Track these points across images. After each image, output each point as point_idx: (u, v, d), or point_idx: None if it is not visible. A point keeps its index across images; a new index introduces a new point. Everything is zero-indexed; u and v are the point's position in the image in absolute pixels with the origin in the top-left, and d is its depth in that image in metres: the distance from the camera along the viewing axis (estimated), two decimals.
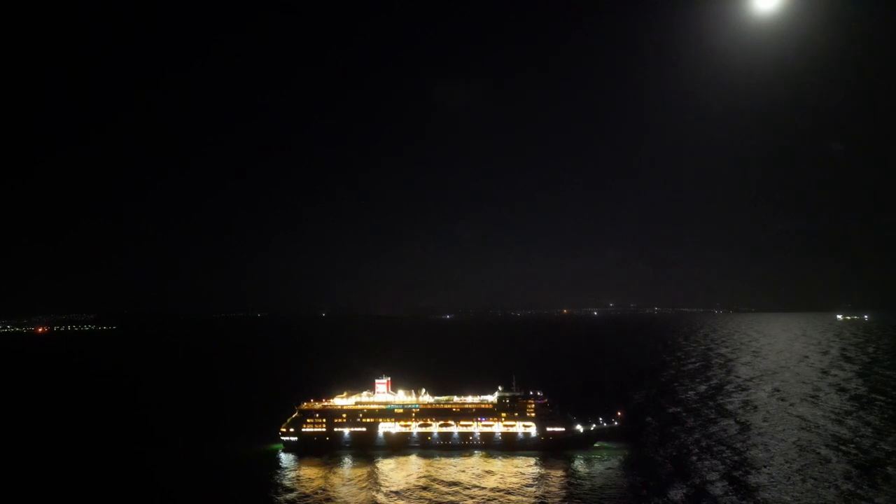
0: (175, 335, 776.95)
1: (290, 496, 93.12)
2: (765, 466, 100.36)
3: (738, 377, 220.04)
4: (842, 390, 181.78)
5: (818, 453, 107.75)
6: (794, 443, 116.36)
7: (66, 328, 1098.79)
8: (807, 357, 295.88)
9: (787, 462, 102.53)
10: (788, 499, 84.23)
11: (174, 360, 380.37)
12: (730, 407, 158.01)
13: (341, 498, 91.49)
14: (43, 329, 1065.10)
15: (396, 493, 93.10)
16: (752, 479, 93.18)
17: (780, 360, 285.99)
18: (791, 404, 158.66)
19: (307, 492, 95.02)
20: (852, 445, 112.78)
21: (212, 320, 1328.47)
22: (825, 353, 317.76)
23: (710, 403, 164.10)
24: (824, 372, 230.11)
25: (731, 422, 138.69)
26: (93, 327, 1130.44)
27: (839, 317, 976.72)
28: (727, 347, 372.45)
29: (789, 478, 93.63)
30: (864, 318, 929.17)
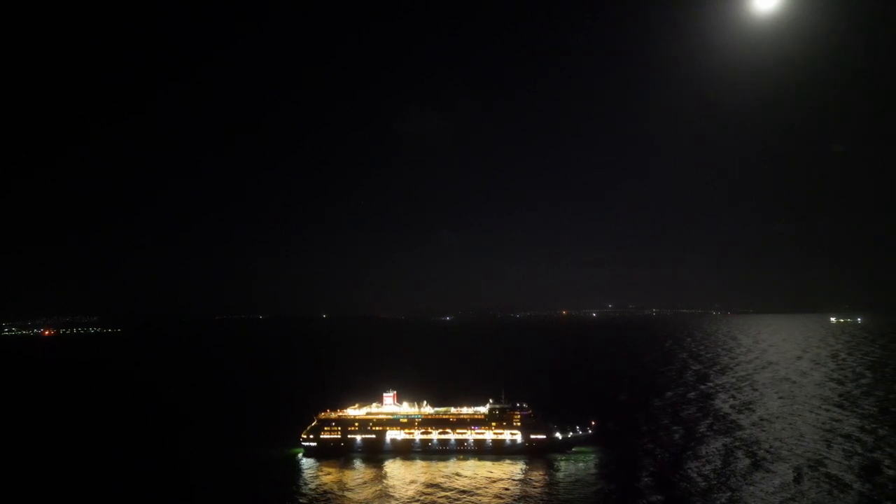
0: (180, 337, 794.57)
1: (312, 496, 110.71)
2: (710, 468, 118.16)
3: (696, 384, 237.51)
4: (781, 397, 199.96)
5: (755, 457, 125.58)
6: (725, 445, 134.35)
7: (71, 331, 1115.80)
8: (763, 364, 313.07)
9: (726, 463, 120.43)
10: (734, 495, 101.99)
11: (185, 363, 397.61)
12: (684, 414, 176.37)
13: (356, 497, 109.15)
14: (49, 332, 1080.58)
15: (402, 492, 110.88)
16: (698, 478, 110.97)
17: (739, 365, 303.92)
18: (735, 411, 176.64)
19: (327, 492, 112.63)
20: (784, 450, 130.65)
21: (215, 322, 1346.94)
22: (777, 362, 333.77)
23: (669, 410, 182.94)
24: (774, 380, 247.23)
25: (682, 427, 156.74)
26: (98, 329, 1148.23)
27: (833, 319, 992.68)
28: (687, 353, 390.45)
29: (727, 477, 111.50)
30: (857, 321, 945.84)
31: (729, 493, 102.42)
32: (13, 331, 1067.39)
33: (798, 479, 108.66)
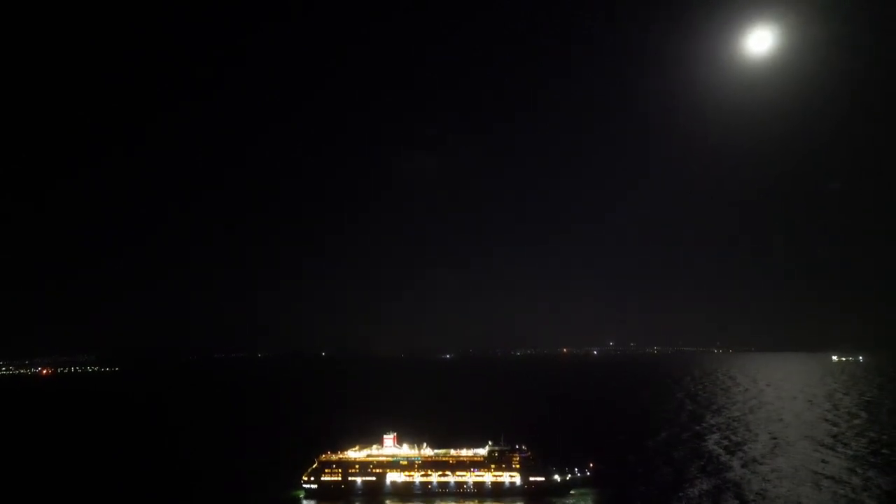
0: (178, 376, 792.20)
1: None
2: None
3: (691, 424, 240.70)
4: (774, 438, 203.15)
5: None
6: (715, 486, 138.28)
7: (69, 370, 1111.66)
8: (758, 404, 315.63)
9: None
10: None
11: (183, 403, 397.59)
12: (677, 455, 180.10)
13: None
14: (47, 371, 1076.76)
15: None
16: None
17: (735, 405, 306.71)
18: (726, 452, 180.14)
19: None
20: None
21: (213, 360, 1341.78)
22: (771, 402, 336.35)
23: (663, 451, 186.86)
24: (768, 420, 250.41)
25: (675, 468, 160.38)
26: (95, 368, 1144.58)
27: (834, 357, 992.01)
28: (684, 392, 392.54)
29: None
30: (858, 360, 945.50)
31: None
32: (10, 370, 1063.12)
33: None
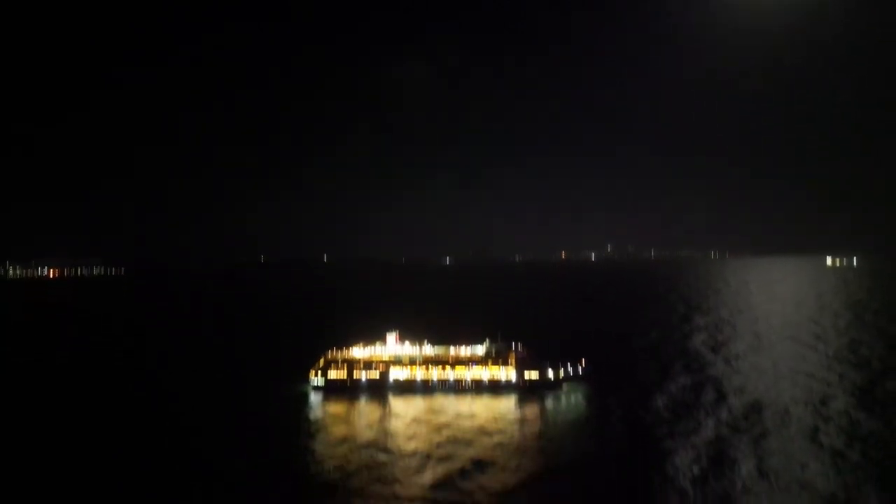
0: (183, 279, 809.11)
1: (322, 425, 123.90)
2: (681, 401, 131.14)
3: (680, 324, 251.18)
4: (757, 337, 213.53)
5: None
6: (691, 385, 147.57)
7: (75, 272, 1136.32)
8: (746, 306, 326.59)
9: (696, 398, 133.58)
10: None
11: (190, 306, 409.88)
12: (664, 352, 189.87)
13: (362, 427, 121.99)
14: (54, 273, 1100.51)
15: (404, 423, 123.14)
16: (665, 412, 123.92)
17: (723, 307, 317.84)
18: (710, 350, 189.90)
19: (336, 423, 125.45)
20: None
21: (217, 265, 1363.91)
22: (760, 304, 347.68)
23: (651, 349, 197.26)
24: (753, 320, 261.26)
25: (661, 365, 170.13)
26: (101, 271, 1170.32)
27: (829, 261, 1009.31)
28: (677, 294, 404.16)
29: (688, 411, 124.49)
30: (853, 263, 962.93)
31: (693, 423, 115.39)
32: (18, 272, 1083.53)
33: (757, 412, 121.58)
